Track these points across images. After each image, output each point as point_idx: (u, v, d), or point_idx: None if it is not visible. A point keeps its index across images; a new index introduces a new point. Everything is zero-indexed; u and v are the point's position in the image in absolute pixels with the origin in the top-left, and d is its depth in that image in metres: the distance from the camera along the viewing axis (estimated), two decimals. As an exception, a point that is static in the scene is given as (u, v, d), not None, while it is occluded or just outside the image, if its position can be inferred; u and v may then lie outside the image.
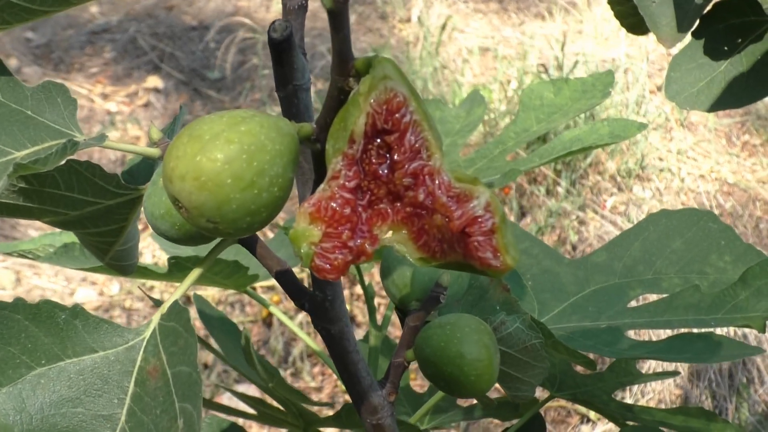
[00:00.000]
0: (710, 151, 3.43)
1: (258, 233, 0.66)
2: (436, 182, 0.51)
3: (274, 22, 0.57)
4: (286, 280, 0.65)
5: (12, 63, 3.80)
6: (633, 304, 0.99)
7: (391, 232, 0.53)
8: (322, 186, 0.52)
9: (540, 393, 1.03)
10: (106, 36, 4.07)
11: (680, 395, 2.59)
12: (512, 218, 3.23)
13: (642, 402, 2.60)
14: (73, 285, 2.99)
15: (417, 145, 0.52)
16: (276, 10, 4.32)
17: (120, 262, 0.81)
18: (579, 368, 1.36)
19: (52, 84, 0.62)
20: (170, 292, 3.01)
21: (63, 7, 0.58)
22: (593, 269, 1.03)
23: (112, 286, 3.03)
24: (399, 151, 0.52)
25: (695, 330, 0.90)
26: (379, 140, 0.52)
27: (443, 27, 3.95)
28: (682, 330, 0.91)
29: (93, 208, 0.71)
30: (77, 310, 0.59)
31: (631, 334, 2.39)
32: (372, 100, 0.51)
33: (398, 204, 0.52)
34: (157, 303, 1.00)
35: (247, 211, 0.51)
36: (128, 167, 0.85)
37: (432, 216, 0.52)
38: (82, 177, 0.67)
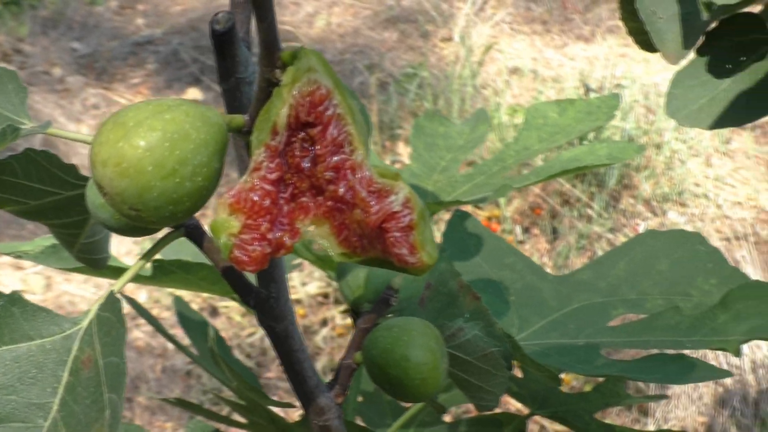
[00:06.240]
0: (749, 178, 3.38)
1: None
2: (357, 177, 0.51)
3: (217, 14, 0.56)
4: (233, 275, 0.65)
5: (56, 72, 3.86)
6: (614, 323, 0.97)
7: (313, 226, 0.52)
8: (244, 177, 0.51)
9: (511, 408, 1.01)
10: (149, 48, 4.13)
11: (704, 423, 2.54)
12: (544, 240, 3.21)
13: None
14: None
15: (340, 139, 0.51)
16: (319, 26, 4.35)
17: (88, 255, 0.81)
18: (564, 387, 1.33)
19: (3, 71, 0.62)
20: (196, 302, 3.03)
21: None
22: (577, 287, 1.01)
23: (140, 294, 3.05)
24: (321, 144, 0.51)
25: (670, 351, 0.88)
26: (303, 133, 0.51)
27: (488, 48, 3.93)
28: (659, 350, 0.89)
29: (53, 199, 0.71)
30: (15, 297, 0.59)
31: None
32: (295, 92, 0.51)
33: (321, 198, 0.52)
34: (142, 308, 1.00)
35: (169, 199, 0.51)
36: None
37: (352, 211, 0.51)
38: (39, 166, 0.68)
